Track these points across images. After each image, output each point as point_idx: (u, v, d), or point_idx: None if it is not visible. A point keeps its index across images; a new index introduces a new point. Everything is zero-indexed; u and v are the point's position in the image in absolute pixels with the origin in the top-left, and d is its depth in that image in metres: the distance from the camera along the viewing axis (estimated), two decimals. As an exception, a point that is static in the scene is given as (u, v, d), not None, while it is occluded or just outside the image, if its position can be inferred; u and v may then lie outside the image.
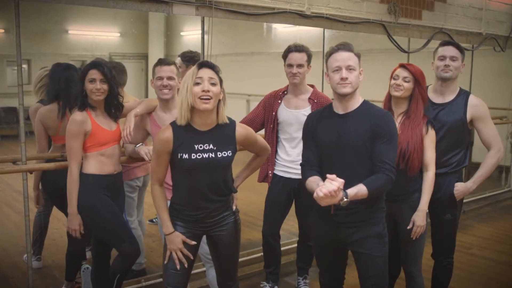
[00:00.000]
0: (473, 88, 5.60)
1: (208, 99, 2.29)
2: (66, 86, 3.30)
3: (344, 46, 2.42)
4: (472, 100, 3.06)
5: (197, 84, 2.29)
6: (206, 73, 2.31)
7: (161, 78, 2.96)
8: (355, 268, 2.58)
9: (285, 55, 3.34)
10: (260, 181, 3.57)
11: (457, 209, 3.10)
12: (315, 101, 3.35)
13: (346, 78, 2.37)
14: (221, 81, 2.37)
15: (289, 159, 3.39)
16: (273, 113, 3.42)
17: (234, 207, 2.58)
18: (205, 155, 2.36)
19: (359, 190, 2.28)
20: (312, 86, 3.46)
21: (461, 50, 3.07)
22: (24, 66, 10.34)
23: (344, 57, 2.39)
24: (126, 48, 12.45)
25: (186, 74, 2.36)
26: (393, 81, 2.83)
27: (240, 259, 2.82)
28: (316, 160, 2.52)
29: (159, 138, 2.38)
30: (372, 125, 2.38)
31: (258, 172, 3.47)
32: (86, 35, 11.59)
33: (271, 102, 3.46)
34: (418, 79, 2.79)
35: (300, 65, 3.29)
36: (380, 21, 4.72)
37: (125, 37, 12.50)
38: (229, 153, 2.42)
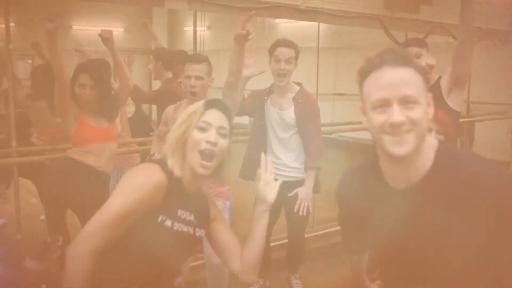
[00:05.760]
0: (472, 83, 5.54)
1: (211, 158, 1.64)
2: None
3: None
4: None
5: (202, 129, 1.65)
6: (216, 118, 1.67)
7: (189, 78, 2.81)
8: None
9: (272, 49, 3.18)
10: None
11: None
12: (300, 101, 3.20)
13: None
14: (230, 130, 1.72)
15: (278, 162, 3.21)
16: (262, 110, 3.29)
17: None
18: (185, 229, 1.66)
19: None
20: (299, 84, 3.30)
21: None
22: (29, 61, 10.43)
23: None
24: (130, 43, 12.49)
25: (187, 108, 1.73)
26: None
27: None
28: None
29: (148, 181, 1.56)
30: None
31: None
32: (90, 31, 11.62)
33: (260, 96, 3.32)
34: None
35: (288, 61, 3.11)
36: (377, 15, 4.68)
37: (129, 32, 12.53)
38: (203, 233, 1.76)
